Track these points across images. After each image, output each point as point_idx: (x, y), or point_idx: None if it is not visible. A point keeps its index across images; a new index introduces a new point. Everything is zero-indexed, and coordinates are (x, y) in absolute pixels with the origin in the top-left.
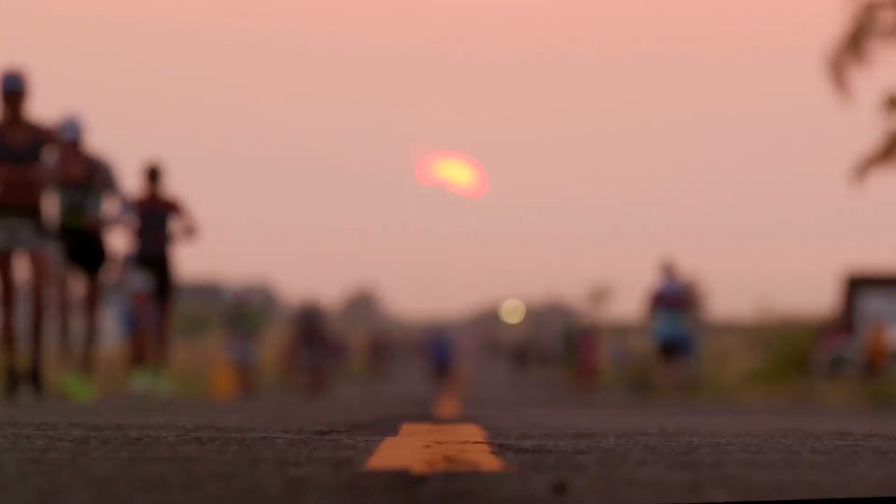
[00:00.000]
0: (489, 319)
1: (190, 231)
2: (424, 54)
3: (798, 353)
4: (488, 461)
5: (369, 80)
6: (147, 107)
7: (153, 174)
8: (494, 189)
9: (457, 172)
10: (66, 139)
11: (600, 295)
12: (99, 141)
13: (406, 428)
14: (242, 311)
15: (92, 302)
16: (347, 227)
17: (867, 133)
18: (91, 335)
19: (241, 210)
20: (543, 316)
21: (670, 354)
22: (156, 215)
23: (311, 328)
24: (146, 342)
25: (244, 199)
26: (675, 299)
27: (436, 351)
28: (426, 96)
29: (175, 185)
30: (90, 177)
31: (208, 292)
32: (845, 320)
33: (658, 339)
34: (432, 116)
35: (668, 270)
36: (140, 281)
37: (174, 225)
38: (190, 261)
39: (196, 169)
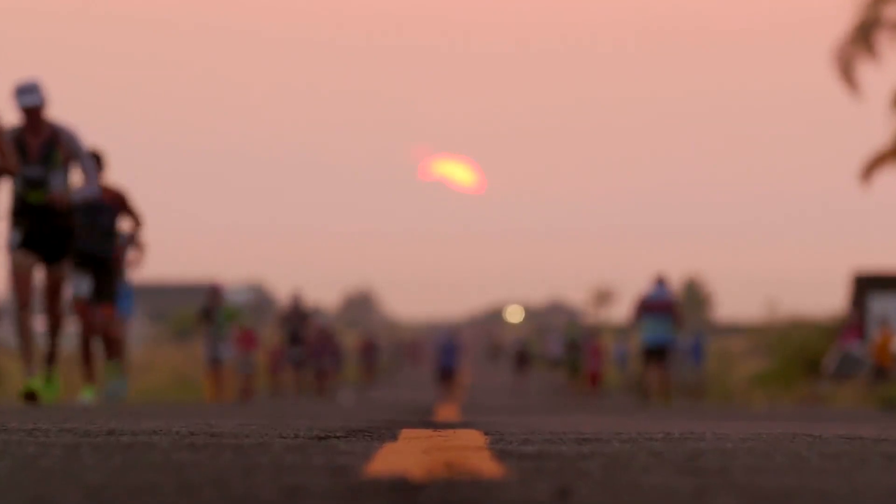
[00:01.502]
0: (490, 320)
1: (139, 254)
2: (424, 52)
3: (806, 355)
4: (489, 467)
5: (369, 78)
6: (146, 106)
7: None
8: (495, 189)
9: (457, 171)
10: (26, 105)
11: (603, 297)
12: (92, 141)
13: (405, 433)
14: (215, 307)
15: (53, 293)
16: (346, 228)
17: (876, 131)
18: (53, 331)
19: (238, 210)
20: (545, 317)
21: (657, 359)
22: (96, 209)
23: (299, 328)
24: (91, 352)
25: (241, 198)
26: (661, 304)
27: (443, 354)
28: (426, 95)
29: (174, 185)
30: (51, 148)
31: (204, 294)
32: (855, 322)
33: (643, 344)
34: (432, 115)
35: (660, 280)
36: (77, 286)
37: (123, 227)
38: (186, 261)
39: (194, 168)
